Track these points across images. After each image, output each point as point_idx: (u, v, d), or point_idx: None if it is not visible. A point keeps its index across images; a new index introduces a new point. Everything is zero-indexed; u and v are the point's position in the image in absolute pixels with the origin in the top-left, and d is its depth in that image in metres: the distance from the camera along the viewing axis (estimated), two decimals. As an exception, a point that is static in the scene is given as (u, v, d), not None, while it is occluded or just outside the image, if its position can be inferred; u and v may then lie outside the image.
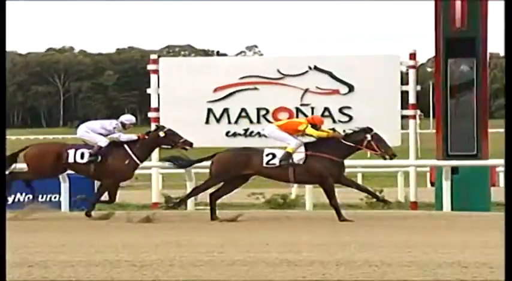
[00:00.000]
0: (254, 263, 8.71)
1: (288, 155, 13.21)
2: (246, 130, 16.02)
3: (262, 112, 15.91)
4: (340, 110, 15.77)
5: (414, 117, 15.85)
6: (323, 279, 7.92)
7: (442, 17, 15.20)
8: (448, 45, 15.33)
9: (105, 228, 12.36)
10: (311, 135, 13.27)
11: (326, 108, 15.82)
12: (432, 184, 16.08)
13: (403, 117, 15.74)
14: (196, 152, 20.54)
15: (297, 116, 15.77)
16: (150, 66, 16.39)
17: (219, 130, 16.03)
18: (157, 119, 16.06)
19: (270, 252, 9.49)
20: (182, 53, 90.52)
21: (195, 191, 13.94)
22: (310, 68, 15.93)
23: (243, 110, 15.96)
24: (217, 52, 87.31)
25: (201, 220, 13.27)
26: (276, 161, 13.25)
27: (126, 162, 13.79)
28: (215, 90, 16.04)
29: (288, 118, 15.70)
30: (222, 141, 15.96)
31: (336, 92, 15.84)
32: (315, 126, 13.36)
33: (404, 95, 15.69)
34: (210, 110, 16.01)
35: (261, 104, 15.95)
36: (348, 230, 11.77)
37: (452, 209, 14.37)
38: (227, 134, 16.02)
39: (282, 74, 15.97)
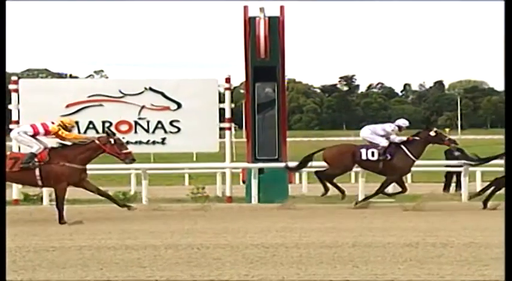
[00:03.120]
0: (98, 248, 8.56)
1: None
2: (93, 139, 15.71)
3: (107, 124, 15.67)
4: (171, 123, 15.77)
5: (230, 129, 16.03)
6: (154, 259, 7.89)
7: (250, 49, 15.46)
8: (255, 72, 15.61)
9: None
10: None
11: (159, 122, 15.78)
12: (244, 182, 16.27)
13: (221, 129, 15.89)
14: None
15: (136, 129, 15.67)
16: (11, 86, 15.84)
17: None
18: (17, 130, 15.51)
19: (112, 239, 9.35)
20: (40, 75, 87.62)
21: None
22: (146, 88, 15.83)
23: (90, 122, 15.67)
24: (70, 75, 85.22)
25: (55, 213, 12.87)
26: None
27: (406, 160, 13.21)
28: (67, 106, 15.67)
29: (128, 130, 15.61)
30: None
31: (167, 108, 15.81)
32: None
33: (221, 111, 15.85)
34: (62, 123, 15.58)
35: (106, 118, 15.71)
36: (176, 220, 11.75)
37: (259, 202, 14.59)
38: (77, 142, 15.63)
39: (123, 93, 15.80)
